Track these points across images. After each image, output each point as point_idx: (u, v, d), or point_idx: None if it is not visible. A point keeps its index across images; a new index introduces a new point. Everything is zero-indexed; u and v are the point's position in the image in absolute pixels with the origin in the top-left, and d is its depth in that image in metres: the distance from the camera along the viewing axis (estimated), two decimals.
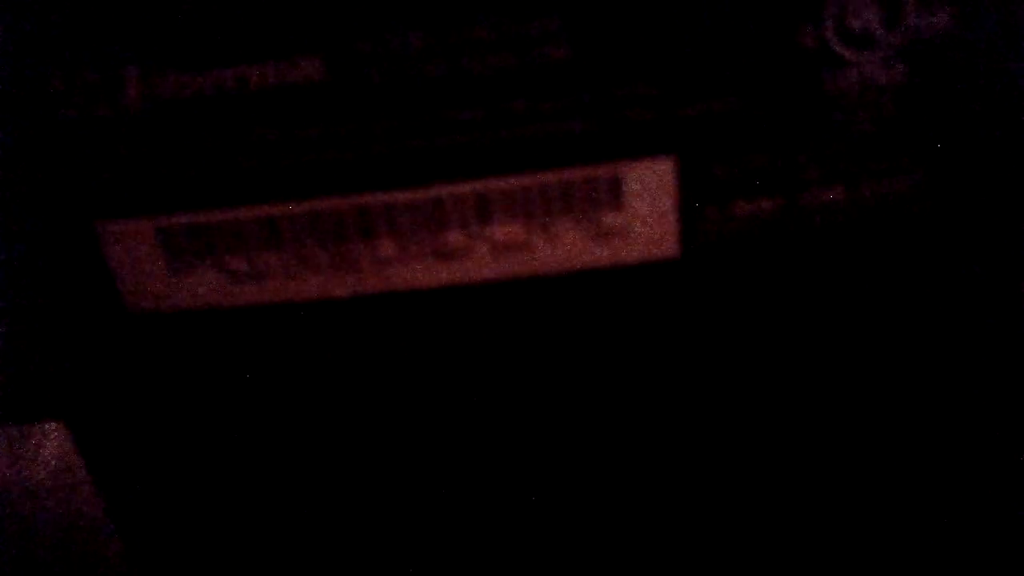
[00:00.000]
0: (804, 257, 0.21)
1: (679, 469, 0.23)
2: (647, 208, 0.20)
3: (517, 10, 0.18)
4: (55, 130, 0.19)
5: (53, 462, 0.34)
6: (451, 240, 0.20)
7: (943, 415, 0.22)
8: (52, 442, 0.35)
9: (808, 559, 0.23)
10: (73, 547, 0.30)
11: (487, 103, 0.19)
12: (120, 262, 0.20)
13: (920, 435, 0.23)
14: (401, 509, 0.23)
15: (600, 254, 0.20)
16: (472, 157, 0.19)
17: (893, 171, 0.20)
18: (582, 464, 0.22)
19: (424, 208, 0.20)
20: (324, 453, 0.22)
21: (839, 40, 0.19)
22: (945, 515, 0.23)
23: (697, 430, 0.22)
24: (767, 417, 0.22)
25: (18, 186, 0.19)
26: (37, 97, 0.18)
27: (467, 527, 0.23)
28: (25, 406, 0.22)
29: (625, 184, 0.20)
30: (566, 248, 0.20)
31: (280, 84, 0.18)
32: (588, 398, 0.22)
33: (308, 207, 0.19)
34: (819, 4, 0.18)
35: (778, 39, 0.19)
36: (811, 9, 0.18)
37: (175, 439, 0.22)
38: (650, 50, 0.19)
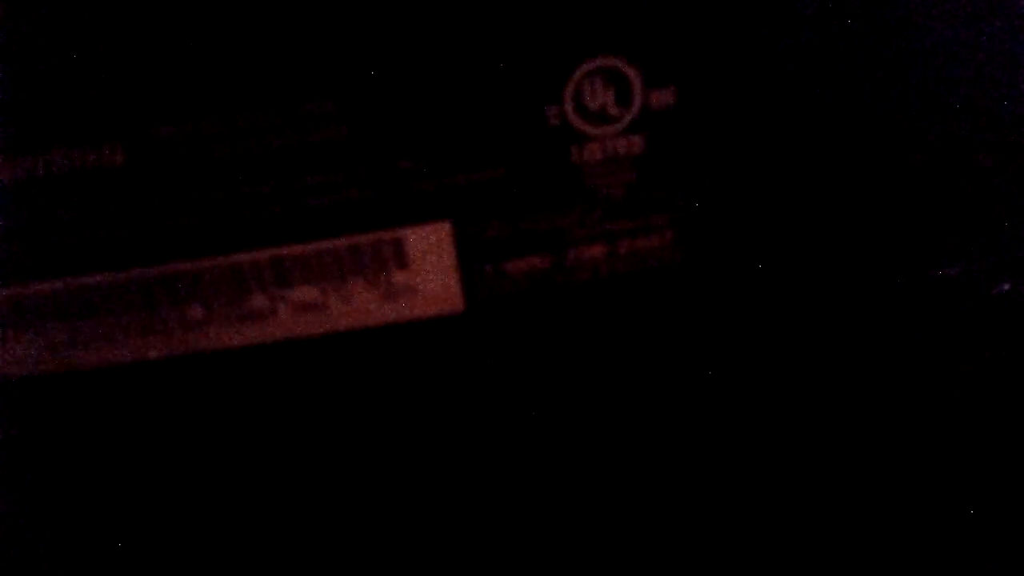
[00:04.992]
0: (574, 307, 0.23)
1: (462, 521, 0.25)
2: (431, 268, 0.23)
3: (296, 96, 0.21)
4: None
5: None
6: (255, 303, 0.22)
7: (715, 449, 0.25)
8: None
9: None
10: None
11: (275, 178, 0.21)
12: None
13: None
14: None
15: (391, 311, 0.23)
16: (266, 227, 0.22)
17: (645, 230, 0.23)
18: (376, 520, 0.24)
19: (226, 274, 0.22)
20: (147, 512, 0.24)
21: (579, 118, 0.22)
22: None
23: (494, 475, 0.24)
24: (550, 455, 0.24)
25: None
26: None
27: None
28: None
29: (407, 247, 0.22)
30: (360, 306, 0.23)
31: (85, 168, 0.21)
32: (387, 449, 0.24)
33: (119, 278, 0.22)
34: (559, 88, 0.21)
35: (529, 118, 0.22)
36: (553, 92, 0.21)
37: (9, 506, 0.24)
38: (419, 128, 0.21)
